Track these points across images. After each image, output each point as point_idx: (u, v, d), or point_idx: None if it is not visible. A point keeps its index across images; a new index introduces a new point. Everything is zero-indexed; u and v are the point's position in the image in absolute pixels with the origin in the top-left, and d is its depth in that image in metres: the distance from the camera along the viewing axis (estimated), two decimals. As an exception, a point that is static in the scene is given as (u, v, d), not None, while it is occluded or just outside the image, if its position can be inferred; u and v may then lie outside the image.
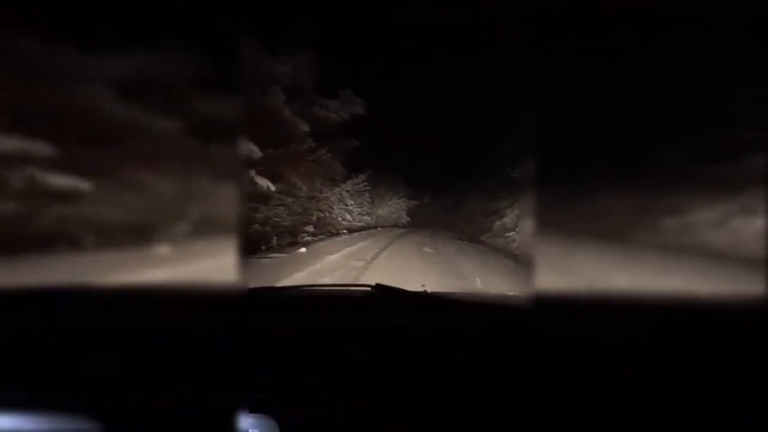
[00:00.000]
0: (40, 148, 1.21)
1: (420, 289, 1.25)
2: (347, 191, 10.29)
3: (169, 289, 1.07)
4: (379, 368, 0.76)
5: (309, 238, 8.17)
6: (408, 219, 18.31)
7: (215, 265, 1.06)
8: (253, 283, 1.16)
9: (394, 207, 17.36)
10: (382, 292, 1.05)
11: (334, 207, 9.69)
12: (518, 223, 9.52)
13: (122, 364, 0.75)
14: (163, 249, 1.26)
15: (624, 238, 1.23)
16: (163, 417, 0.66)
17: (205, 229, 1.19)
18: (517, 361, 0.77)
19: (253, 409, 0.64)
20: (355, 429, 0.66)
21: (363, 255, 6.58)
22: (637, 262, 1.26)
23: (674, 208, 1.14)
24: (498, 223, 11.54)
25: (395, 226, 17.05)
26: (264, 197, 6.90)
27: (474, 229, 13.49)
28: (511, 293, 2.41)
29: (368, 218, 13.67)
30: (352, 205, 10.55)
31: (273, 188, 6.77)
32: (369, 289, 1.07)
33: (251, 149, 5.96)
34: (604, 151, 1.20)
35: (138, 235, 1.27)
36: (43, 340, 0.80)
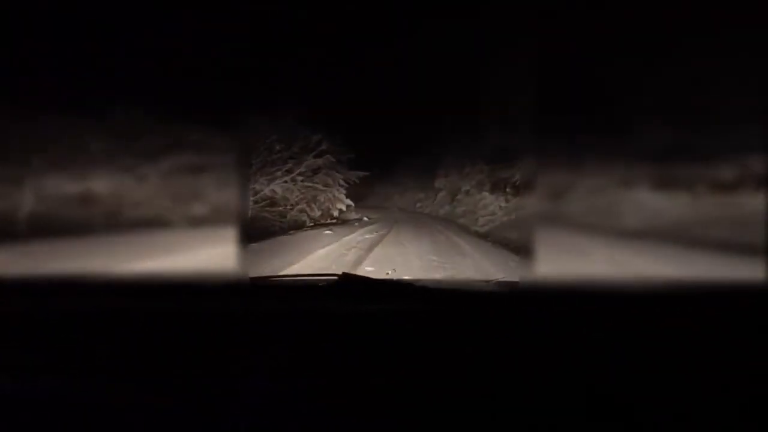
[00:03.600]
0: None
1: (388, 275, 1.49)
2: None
3: (169, 277, 1.03)
4: (344, 354, 0.76)
5: None
6: (348, 204, 9.91)
7: (215, 253, 1.07)
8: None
9: (324, 182, 9.05)
10: (347, 280, 1.09)
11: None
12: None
13: (121, 351, 0.76)
14: (163, 237, 1.28)
15: (623, 223, 1.17)
16: (160, 403, 0.66)
17: (206, 218, 1.21)
18: (490, 346, 0.77)
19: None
20: (317, 414, 0.64)
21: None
22: (636, 248, 1.20)
23: (675, 192, 1.11)
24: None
25: (317, 224, 8.49)
26: None
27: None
28: (498, 279, 2.08)
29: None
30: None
31: None
32: (335, 277, 1.11)
33: None
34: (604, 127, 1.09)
35: (139, 223, 1.29)
36: (41, 326, 0.81)
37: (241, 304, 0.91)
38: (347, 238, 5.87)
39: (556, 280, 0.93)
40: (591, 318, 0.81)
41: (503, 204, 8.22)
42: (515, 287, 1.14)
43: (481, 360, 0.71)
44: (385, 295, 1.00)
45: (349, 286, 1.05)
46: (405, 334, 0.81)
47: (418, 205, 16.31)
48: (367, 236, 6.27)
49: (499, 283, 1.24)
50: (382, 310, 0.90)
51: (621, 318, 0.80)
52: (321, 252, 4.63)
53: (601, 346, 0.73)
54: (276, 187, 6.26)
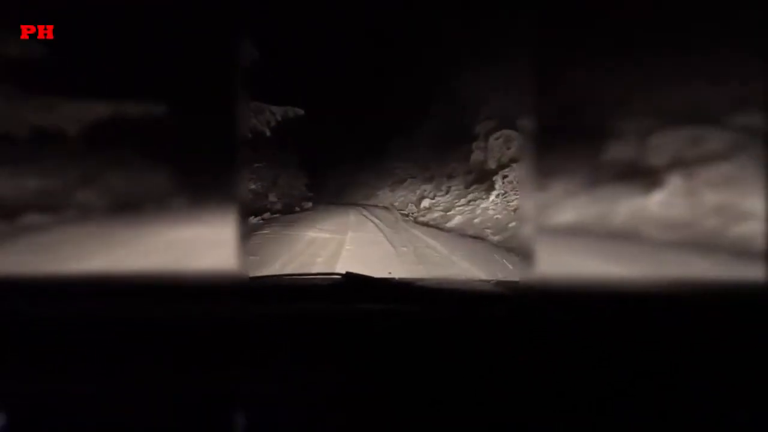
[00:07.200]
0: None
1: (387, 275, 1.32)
2: None
3: (169, 277, 1.04)
4: (351, 355, 0.77)
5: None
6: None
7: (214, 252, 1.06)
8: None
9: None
10: (349, 279, 1.09)
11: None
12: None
13: (118, 354, 0.76)
14: (162, 234, 1.24)
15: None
16: (159, 408, 0.67)
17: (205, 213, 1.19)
18: (493, 349, 0.78)
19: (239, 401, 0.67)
20: (335, 419, 0.66)
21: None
22: (638, 250, 1.18)
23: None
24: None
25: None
26: None
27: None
28: (495, 278, 2.21)
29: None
30: None
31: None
32: (338, 277, 1.11)
33: None
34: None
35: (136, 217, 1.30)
36: (36, 330, 0.80)
37: (241, 304, 0.93)
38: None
39: (557, 280, 0.94)
40: (593, 318, 0.82)
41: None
42: (516, 286, 1.16)
43: (483, 361, 0.72)
44: (389, 295, 1.03)
45: (352, 286, 1.07)
46: (408, 334, 0.82)
47: (424, 204, 10.56)
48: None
49: (500, 283, 1.26)
50: (385, 311, 0.92)
51: (624, 318, 0.81)
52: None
53: (604, 347, 0.74)
54: None
